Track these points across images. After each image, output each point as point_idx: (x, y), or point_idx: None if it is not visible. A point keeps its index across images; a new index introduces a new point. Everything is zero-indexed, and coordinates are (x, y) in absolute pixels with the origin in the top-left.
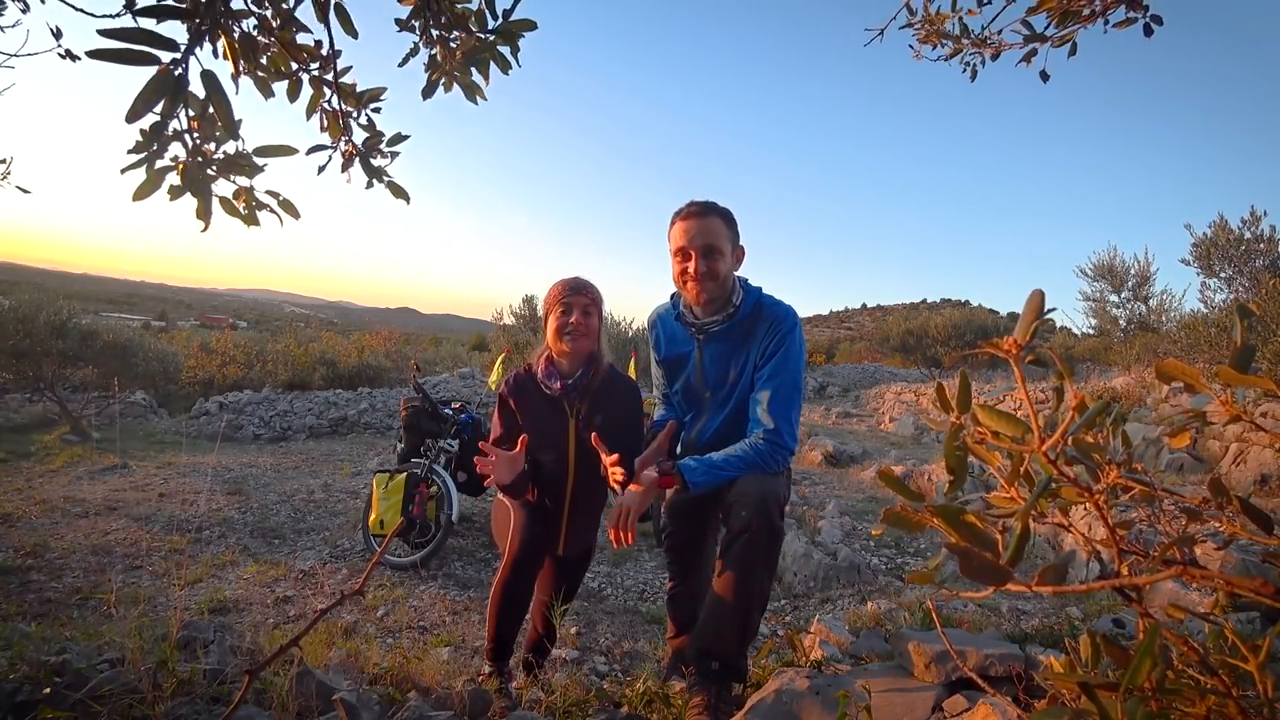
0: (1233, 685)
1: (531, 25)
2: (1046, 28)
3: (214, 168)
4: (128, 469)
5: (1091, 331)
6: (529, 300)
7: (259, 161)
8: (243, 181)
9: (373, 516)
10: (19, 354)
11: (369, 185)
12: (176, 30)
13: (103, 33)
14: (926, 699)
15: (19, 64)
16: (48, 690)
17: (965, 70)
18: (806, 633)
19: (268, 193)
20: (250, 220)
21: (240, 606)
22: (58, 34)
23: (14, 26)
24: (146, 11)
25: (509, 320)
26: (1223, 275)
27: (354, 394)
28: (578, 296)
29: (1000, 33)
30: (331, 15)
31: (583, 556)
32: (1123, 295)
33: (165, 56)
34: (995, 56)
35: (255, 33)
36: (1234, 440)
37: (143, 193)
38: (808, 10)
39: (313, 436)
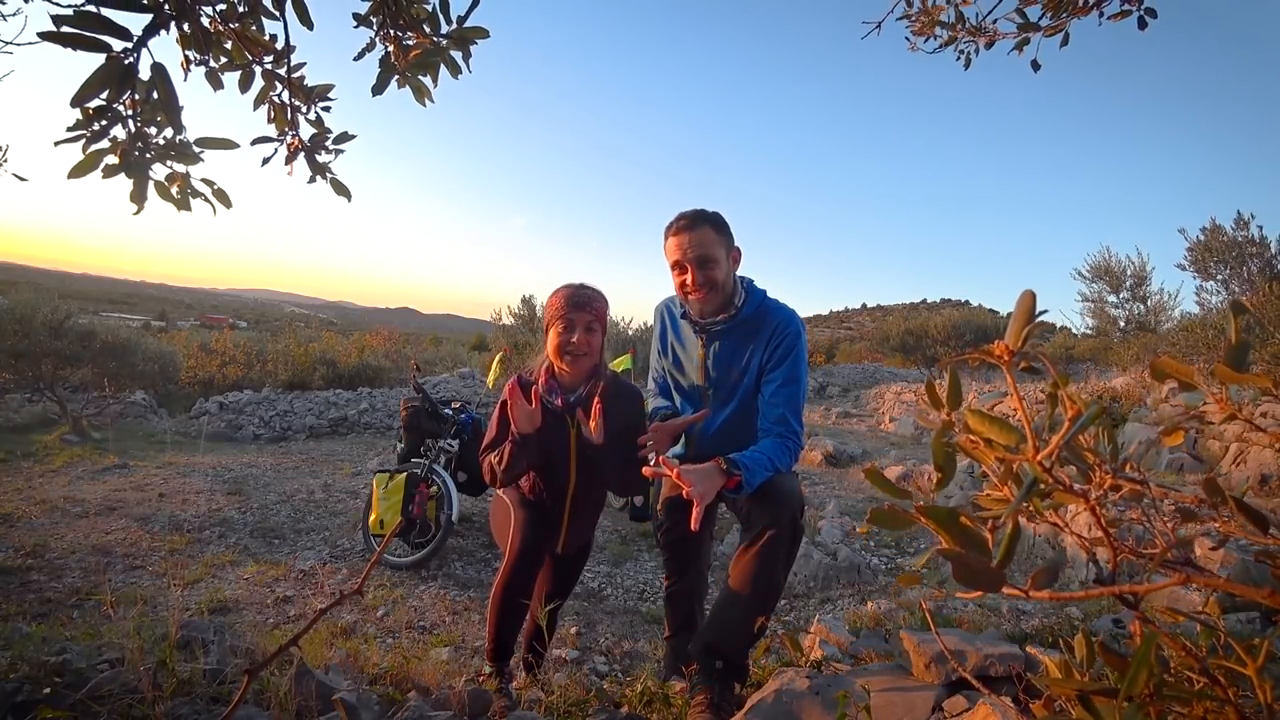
0: (1230, 688)
1: (484, 33)
2: (1040, 18)
3: (152, 152)
4: (127, 469)
5: (1090, 332)
6: (527, 301)
7: (198, 151)
8: (179, 167)
9: (373, 516)
10: (18, 354)
11: (311, 180)
12: (133, 20)
13: (56, 18)
14: (926, 699)
15: (20, 53)
16: (48, 690)
17: (960, 58)
18: (806, 633)
19: (203, 180)
20: (182, 205)
21: (240, 606)
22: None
23: (14, 15)
24: (107, 1)
25: (508, 320)
26: (1219, 278)
27: (354, 394)
28: (580, 313)
29: (995, 21)
30: (288, 6)
31: (580, 554)
32: (1121, 295)
33: (117, 45)
34: (989, 45)
35: (217, 21)
36: (1234, 440)
37: (78, 171)
38: (809, 13)
39: (313, 436)
